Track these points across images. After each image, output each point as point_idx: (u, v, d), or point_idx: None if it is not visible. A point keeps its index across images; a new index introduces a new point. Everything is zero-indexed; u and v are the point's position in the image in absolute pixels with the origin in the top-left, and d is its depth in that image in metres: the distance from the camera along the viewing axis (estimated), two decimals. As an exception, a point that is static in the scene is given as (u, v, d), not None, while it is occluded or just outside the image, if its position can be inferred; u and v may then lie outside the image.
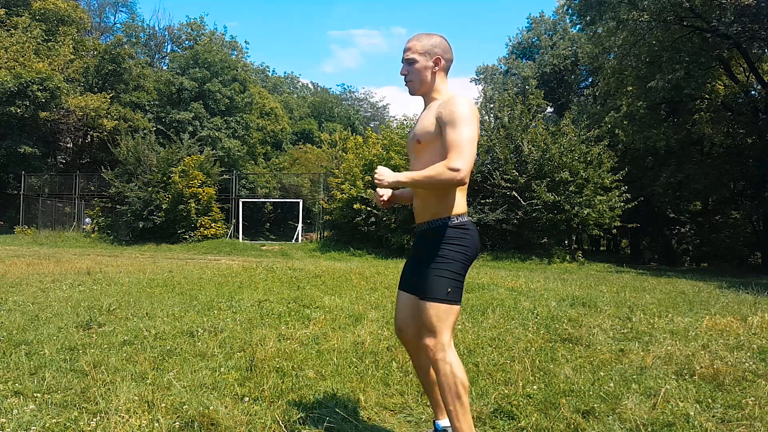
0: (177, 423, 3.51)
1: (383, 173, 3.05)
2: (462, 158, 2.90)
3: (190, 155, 29.99)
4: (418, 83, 3.21)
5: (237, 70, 44.70)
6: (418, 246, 3.24)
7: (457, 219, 3.10)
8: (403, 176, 3.01)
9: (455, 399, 2.91)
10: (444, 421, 3.35)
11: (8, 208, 36.92)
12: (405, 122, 29.81)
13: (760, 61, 25.70)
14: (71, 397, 3.95)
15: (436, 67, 3.19)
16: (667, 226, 33.37)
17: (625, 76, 28.10)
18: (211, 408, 3.67)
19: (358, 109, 72.05)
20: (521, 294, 9.90)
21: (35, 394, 3.95)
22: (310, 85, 78.11)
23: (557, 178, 23.31)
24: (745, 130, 26.53)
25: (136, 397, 3.88)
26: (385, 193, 3.33)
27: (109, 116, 38.23)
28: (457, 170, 2.88)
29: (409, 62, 3.20)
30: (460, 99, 3.05)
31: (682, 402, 4.00)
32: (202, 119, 40.69)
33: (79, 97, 36.74)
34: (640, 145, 27.05)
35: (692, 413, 3.76)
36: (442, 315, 2.96)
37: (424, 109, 3.24)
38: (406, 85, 3.26)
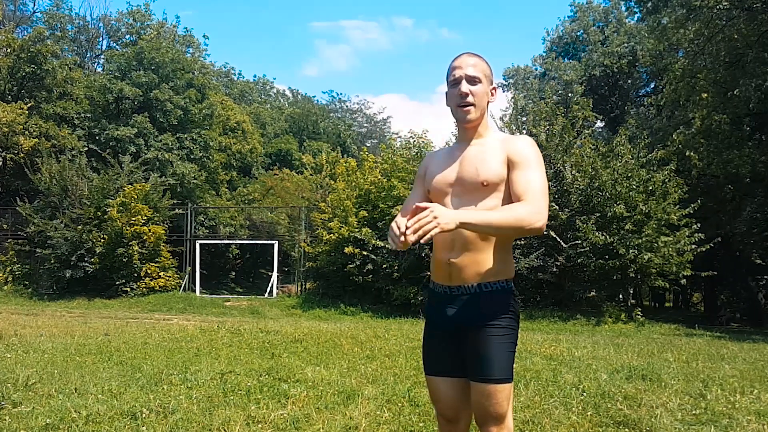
0: None
1: (442, 212, 2.93)
2: (543, 203, 3.11)
3: (132, 183, 30.04)
4: (480, 110, 3.37)
5: (193, 73, 44.93)
6: (458, 315, 3.29)
7: (512, 282, 3.29)
8: (472, 217, 3.00)
9: None
10: None
11: None
12: (412, 140, 29.74)
13: None
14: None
15: (492, 98, 3.43)
16: (752, 276, 33.23)
17: (698, 80, 28.12)
18: None
19: (350, 123, 72.42)
20: (562, 364, 9.93)
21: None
22: (287, 93, 78.84)
23: (609, 214, 23.31)
24: None
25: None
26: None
27: (26, 132, 38.17)
28: (540, 216, 3.07)
29: (474, 81, 3.34)
30: (530, 140, 3.34)
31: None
32: (148, 136, 40.71)
33: (-13, 109, 36.85)
34: (718, 171, 27.01)
35: None
36: (509, 395, 3.14)
37: (463, 146, 3.44)
38: (463, 109, 3.36)
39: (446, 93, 3.46)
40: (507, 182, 3.25)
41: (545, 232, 23.38)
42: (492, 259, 3.21)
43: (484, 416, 3.12)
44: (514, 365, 3.07)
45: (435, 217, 2.88)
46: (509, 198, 3.23)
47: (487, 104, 3.42)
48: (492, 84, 3.43)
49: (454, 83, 3.36)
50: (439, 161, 3.51)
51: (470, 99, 3.31)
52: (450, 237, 3.23)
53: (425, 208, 2.90)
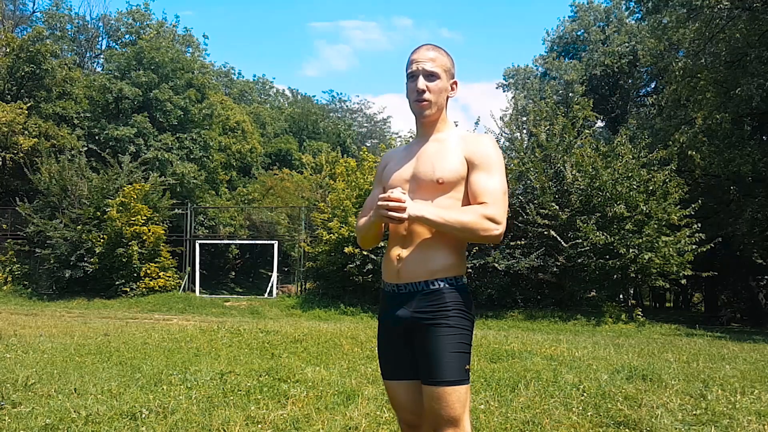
0: None
1: (404, 198, 3.02)
2: (502, 210, 3.08)
3: (131, 183, 29.99)
4: (436, 106, 3.32)
5: (193, 73, 44.74)
6: (406, 315, 3.21)
7: (464, 279, 3.21)
8: (430, 212, 3.03)
9: None
10: None
11: None
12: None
13: None
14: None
15: (452, 93, 3.37)
16: (753, 276, 33.14)
17: (699, 79, 28.04)
18: None
19: (350, 123, 72.25)
20: (563, 364, 9.93)
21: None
22: (287, 92, 78.69)
23: (610, 214, 23.32)
24: None
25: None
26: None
27: (26, 132, 38.14)
28: (498, 223, 3.05)
29: (431, 76, 3.28)
30: (492, 140, 3.28)
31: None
32: (148, 136, 40.60)
33: (-14, 108, 36.76)
34: (719, 171, 26.95)
35: None
36: (464, 398, 3.04)
37: (421, 142, 3.43)
38: (419, 104, 3.32)
39: (405, 84, 3.40)
40: (466, 182, 3.21)
41: (545, 232, 23.46)
42: (441, 255, 3.14)
43: (437, 421, 3.04)
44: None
45: (393, 196, 3.00)
46: (467, 198, 3.19)
47: (447, 99, 3.37)
48: (453, 78, 3.36)
49: (411, 77, 3.31)
50: (397, 158, 3.49)
51: (426, 96, 3.26)
52: (403, 231, 3.20)
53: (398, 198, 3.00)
